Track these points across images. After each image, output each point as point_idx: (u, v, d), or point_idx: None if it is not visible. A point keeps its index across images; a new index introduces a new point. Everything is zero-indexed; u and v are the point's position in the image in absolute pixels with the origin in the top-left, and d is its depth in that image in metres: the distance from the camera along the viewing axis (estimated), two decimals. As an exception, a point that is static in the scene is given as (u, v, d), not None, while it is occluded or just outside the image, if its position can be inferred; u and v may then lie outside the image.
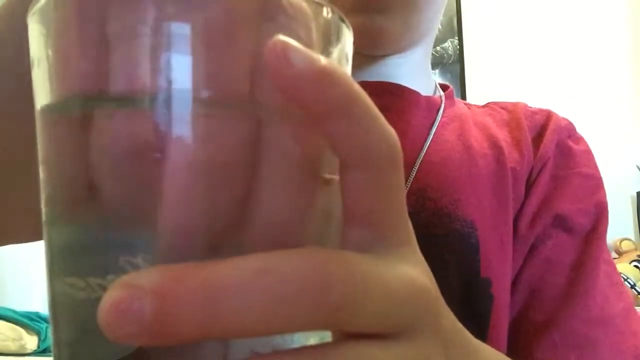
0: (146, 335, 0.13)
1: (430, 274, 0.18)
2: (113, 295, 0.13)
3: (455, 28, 2.17)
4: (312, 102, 0.15)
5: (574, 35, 2.08)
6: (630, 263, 1.78)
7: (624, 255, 1.83)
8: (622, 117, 2.01)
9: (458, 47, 2.18)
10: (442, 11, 0.53)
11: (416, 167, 0.48)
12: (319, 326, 0.15)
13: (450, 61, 2.18)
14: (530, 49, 2.10)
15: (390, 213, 0.17)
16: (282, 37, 0.14)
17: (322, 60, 0.15)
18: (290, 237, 0.16)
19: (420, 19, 0.49)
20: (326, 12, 0.18)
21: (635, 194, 1.95)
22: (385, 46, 0.50)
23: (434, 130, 0.51)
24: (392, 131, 0.17)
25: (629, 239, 1.89)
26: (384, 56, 0.52)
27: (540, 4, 2.12)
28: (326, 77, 0.15)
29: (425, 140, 0.50)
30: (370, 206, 0.17)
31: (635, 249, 1.86)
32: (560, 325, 0.46)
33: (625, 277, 1.70)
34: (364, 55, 0.51)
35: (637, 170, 1.94)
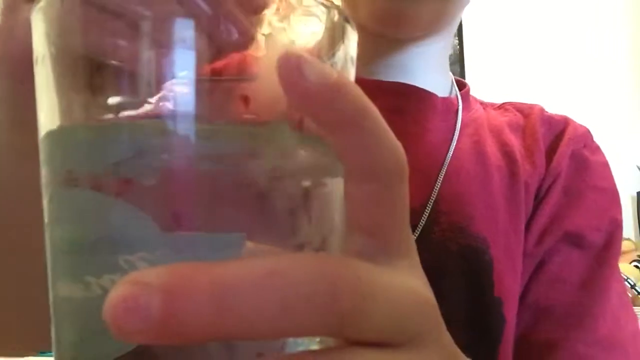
0: (153, 332, 0.13)
1: (429, 286, 0.18)
2: (120, 291, 0.13)
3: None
4: (325, 114, 0.15)
5: (574, 35, 2.08)
6: (630, 263, 1.78)
7: (624, 255, 1.83)
8: (622, 117, 2.01)
9: (458, 47, 2.18)
10: (468, 2, 0.50)
11: (440, 178, 0.47)
12: (326, 332, 0.15)
13: (450, 61, 2.18)
14: (531, 48, 2.10)
15: (393, 225, 0.18)
16: (295, 50, 0.15)
17: (335, 74, 0.15)
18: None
19: (446, 6, 0.47)
20: (332, 14, 0.18)
21: (635, 194, 1.95)
22: (408, 30, 0.48)
23: (454, 141, 0.49)
24: (399, 145, 0.17)
25: (629, 239, 1.89)
26: (405, 42, 0.50)
27: (541, 4, 2.12)
28: (339, 91, 0.15)
29: (447, 149, 0.49)
30: (375, 217, 0.17)
31: (635, 249, 1.86)
32: (566, 347, 0.44)
33: (625, 277, 1.70)
34: (386, 41, 0.50)
35: (637, 170, 1.94)
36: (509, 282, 0.45)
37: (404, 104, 0.50)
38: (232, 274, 0.13)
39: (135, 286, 0.13)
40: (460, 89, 0.55)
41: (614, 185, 0.51)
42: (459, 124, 0.51)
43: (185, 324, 0.13)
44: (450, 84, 0.55)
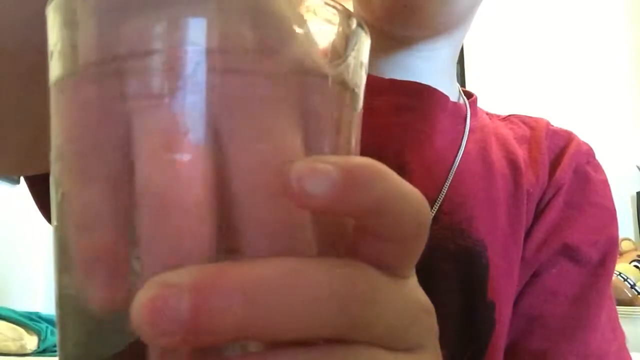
0: (183, 333, 0.13)
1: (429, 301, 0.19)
2: (148, 292, 0.13)
3: (455, 28, 2.16)
4: (341, 212, 0.15)
5: (574, 36, 2.08)
6: (630, 263, 1.78)
7: (624, 255, 1.83)
8: (622, 117, 2.01)
9: (458, 47, 2.18)
10: (478, 7, 0.51)
11: (448, 181, 0.47)
12: (339, 331, 0.15)
13: (450, 61, 2.18)
14: (531, 49, 2.10)
15: (405, 265, 0.18)
16: (296, 166, 0.14)
17: (338, 170, 0.14)
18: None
19: (456, 2, 0.47)
20: (347, 20, 0.18)
21: (635, 194, 1.95)
22: (416, 24, 0.48)
23: (463, 145, 0.50)
24: (425, 205, 0.16)
25: (629, 239, 1.89)
26: (413, 44, 0.50)
27: (541, 4, 2.13)
28: (349, 189, 0.14)
29: (455, 152, 0.49)
30: (388, 260, 0.17)
31: (635, 249, 1.86)
32: (556, 357, 0.45)
33: (625, 277, 1.70)
34: (397, 42, 0.50)
35: (637, 170, 1.95)
36: (503, 287, 0.46)
37: (417, 103, 0.50)
38: (258, 271, 0.14)
39: (163, 287, 0.13)
40: (467, 98, 0.55)
41: (613, 204, 0.52)
42: (468, 129, 0.51)
43: (215, 323, 0.13)
44: (457, 93, 0.56)
